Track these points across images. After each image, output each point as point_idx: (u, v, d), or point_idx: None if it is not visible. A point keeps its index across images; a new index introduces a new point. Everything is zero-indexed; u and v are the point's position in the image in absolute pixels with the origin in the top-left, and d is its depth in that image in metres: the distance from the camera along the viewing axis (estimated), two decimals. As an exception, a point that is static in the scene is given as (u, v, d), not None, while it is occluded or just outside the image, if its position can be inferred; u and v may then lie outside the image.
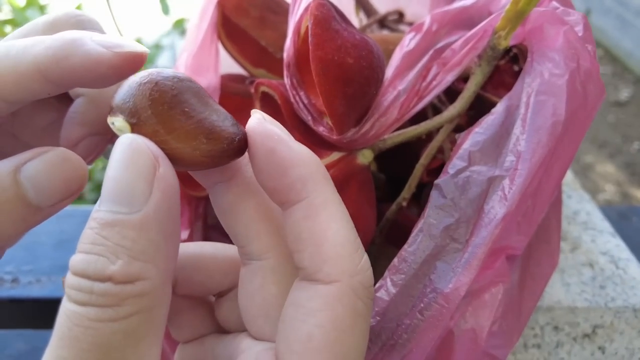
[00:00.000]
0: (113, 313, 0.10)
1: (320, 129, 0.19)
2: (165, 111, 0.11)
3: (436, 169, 0.23)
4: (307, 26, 0.18)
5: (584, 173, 1.58)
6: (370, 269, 0.12)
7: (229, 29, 0.28)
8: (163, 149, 0.11)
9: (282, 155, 0.12)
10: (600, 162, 1.63)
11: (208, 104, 0.12)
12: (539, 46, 0.20)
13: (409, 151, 0.26)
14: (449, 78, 0.20)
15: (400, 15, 0.33)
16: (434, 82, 0.20)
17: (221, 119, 0.12)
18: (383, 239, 0.25)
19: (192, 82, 0.12)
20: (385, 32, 0.33)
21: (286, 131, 0.13)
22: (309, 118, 0.19)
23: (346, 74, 0.17)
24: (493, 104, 0.24)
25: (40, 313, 0.34)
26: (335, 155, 0.22)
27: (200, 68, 0.27)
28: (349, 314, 0.11)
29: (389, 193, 0.29)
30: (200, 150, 0.12)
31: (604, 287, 0.29)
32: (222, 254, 0.15)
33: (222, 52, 0.29)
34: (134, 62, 0.13)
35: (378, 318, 0.16)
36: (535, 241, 0.22)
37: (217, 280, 0.15)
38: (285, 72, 0.20)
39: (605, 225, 0.34)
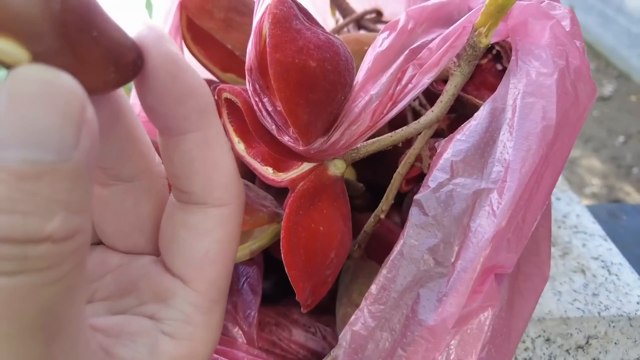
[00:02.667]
0: (54, 274, 0.09)
1: (286, 139, 0.17)
2: (75, 36, 0.09)
3: (415, 177, 0.22)
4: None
5: (570, 168, 1.59)
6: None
7: (195, 32, 0.26)
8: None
9: (183, 83, 0.11)
10: (586, 156, 1.64)
11: (108, 20, 0.10)
12: (524, 43, 0.18)
13: (389, 158, 0.24)
14: (425, 80, 0.18)
15: (378, 14, 0.31)
16: (410, 85, 0.18)
17: (122, 37, 0.11)
18: (362, 253, 0.24)
19: None
20: (362, 32, 0.31)
21: (181, 53, 0.12)
22: (273, 127, 0.17)
23: (309, 78, 0.15)
24: (475, 107, 0.22)
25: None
26: (305, 166, 0.20)
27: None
28: (237, 227, 0.13)
29: (370, 202, 0.28)
30: (108, 79, 0.10)
31: (596, 294, 0.28)
32: None
33: (190, 57, 0.27)
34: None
35: (355, 357, 0.14)
36: (524, 254, 0.20)
37: None
38: (247, 77, 0.18)
39: (596, 228, 0.33)
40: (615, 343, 0.27)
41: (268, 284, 0.25)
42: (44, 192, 0.08)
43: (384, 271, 0.15)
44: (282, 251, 0.17)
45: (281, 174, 0.20)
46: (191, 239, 0.13)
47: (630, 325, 0.27)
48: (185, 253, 0.13)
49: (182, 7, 0.24)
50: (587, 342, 0.27)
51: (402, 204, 0.29)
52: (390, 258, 0.16)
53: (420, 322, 0.14)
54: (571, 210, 0.34)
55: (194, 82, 0.12)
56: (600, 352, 0.27)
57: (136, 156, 0.13)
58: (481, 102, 0.20)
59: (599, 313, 0.27)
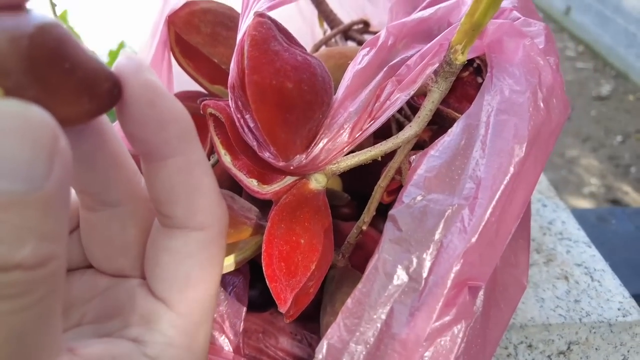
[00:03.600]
0: (25, 301, 0.09)
1: (266, 155, 0.17)
2: (45, 70, 0.10)
3: (397, 189, 0.22)
4: (246, 47, 0.16)
5: (568, 167, 1.59)
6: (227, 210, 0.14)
7: (183, 45, 0.26)
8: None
9: (162, 110, 0.12)
10: (584, 156, 1.65)
11: (82, 52, 0.11)
12: (499, 60, 0.18)
13: (375, 168, 0.25)
14: (403, 97, 0.18)
15: (365, 25, 0.31)
16: (388, 102, 0.18)
17: (97, 68, 0.11)
18: (346, 263, 0.24)
19: (62, 26, 0.11)
20: (350, 43, 0.32)
21: (160, 82, 0.12)
22: (254, 143, 0.18)
23: (286, 99, 0.16)
24: (454, 120, 0.23)
25: None
26: (288, 179, 0.20)
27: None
28: (219, 249, 0.14)
29: (357, 211, 0.28)
30: (82, 109, 0.11)
31: (578, 301, 0.28)
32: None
33: (180, 69, 0.27)
34: None
35: None
36: (501, 265, 0.21)
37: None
38: (230, 94, 0.18)
39: (580, 234, 0.33)
40: (596, 349, 0.27)
41: (255, 292, 0.25)
42: (14, 220, 0.08)
43: (359, 285, 0.16)
44: (263, 264, 0.18)
45: (265, 186, 0.20)
46: (173, 262, 0.13)
47: (611, 331, 0.27)
48: (168, 276, 0.13)
49: (170, 22, 0.24)
50: (569, 348, 0.27)
51: (386, 209, 0.29)
52: (366, 273, 0.16)
53: (393, 335, 0.15)
54: (557, 217, 0.35)
55: (173, 109, 0.12)
56: (581, 358, 0.27)
57: (121, 182, 0.13)
58: (460, 115, 0.21)
59: (580, 319, 0.27)
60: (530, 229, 0.23)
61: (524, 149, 0.16)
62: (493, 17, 0.21)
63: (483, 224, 0.15)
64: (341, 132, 0.18)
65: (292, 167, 0.18)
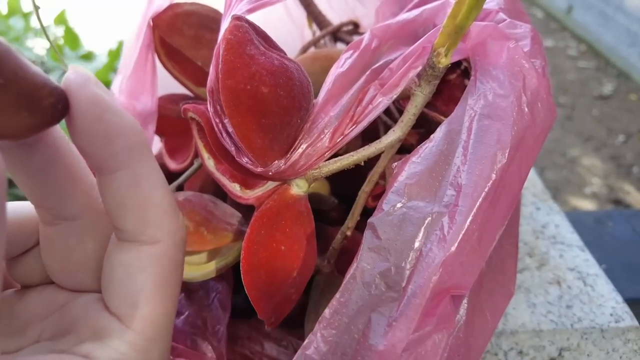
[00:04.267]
0: None
1: (244, 160, 0.17)
2: None
3: (381, 194, 0.22)
4: (222, 51, 0.16)
5: (570, 167, 1.58)
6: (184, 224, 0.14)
7: (168, 48, 0.26)
8: None
9: (109, 124, 0.12)
10: (586, 155, 1.64)
11: (22, 66, 0.11)
12: (483, 63, 0.18)
13: (361, 172, 0.25)
14: (386, 101, 0.18)
15: (355, 26, 0.31)
16: (371, 106, 0.18)
17: (38, 82, 0.11)
18: (332, 269, 0.24)
19: (2, 43, 0.11)
20: (339, 45, 0.31)
21: (110, 93, 0.12)
22: (232, 148, 0.17)
23: (261, 104, 0.15)
24: (439, 124, 0.22)
25: None
26: (270, 185, 0.20)
27: (135, 91, 0.25)
28: (174, 264, 0.13)
29: (345, 215, 0.28)
30: (21, 124, 0.11)
31: (570, 306, 0.28)
32: (24, 215, 0.14)
33: (165, 72, 0.27)
34: None
35: None
36: (487, 272, 0.20)
37: (21, 242, 0.15)
38: (208, 98, 0.18)
39: (574, 238, 0.33)
40: (588, 355, 0.27)
41: (240, 298, 0.25)
42: None
43: (337, 295, 0.16)
44: (241, 271, 0.17)
45: (248, 191, 0.20)
46: (126, 277, 0.13)
47: (603, 337, 0.27)
48: (121, 291, 0.13)
49: (154, 24, 0.24)
50: (560, 355, 0.27)
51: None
52: (344, 282, 0.16)
53: (370, 346, 0.14)
54: (550, 221, 0.34)
55: (121, 122, 0.12)
56: (573, 364, 0.27)
57: (78, 195, 0.13)
58: (445, 118, 0.20)
59: (572, 325, 0.27)
60: (518, 235, 0.23)
61: (506, 154, 0.16)
62: (478, 20, 0.21)
63: (463, 232, 0.15)
64: (321, 137, 0.17)
65: (270, 173, 0.17)
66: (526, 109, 0.17)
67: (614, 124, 1.75)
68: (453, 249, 0.15)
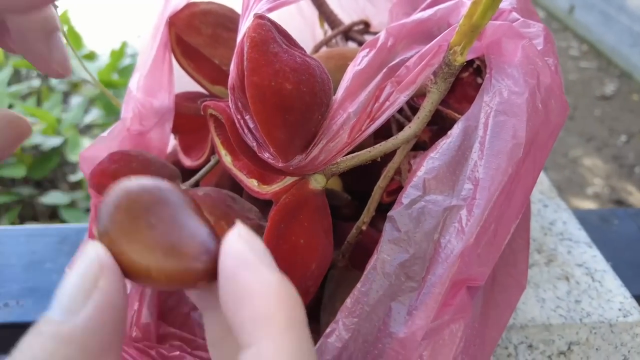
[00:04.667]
0: None
1: (266, 156, 0.18)
2: (128, 221, 0.11)
3: (396, 189, 0.22)
4: (246, 48, 0.16)
5: (572, 168, 1.58)
6: None
7: (184, 46, 0.26)
8: (121, 261, 0.11)
9: (242, 284, 0.10)
10: (588, 155, 1.64)
11: (185, 216, 0.11)
12: (497, 61, 0.19)
13: (375, 168, 0.25)
14: (402, 98, 0.18)
15: (366, 25, 0.31)
16: (387, 103, 0.18)
17: (193, 234, 0.11)
18: (346, 263, 0.24)
19: (174, 191, 0.12)
20: (350, 44, 0.32)
21: (265, 252, 0.11)
22: (254, 144, 0.18)
23: (285, 100, 0.16)
24: (454, 121, 0.23)
25: (6, 339, 0.33)
26: (288, 180, 0.20)
27: (152, 89, 0.25)
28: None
29: (358, 211, 0.28)
30: (156, 267, 0.11)
31: (579, 301, 0.28)
32: None
33: (181, 70, 0.27)
34: None
35: None
36: (501, 265, 0.21)
37: None
38: (230, 95, 0.19)
39: (581, 234, 0.33)
40: (597, 349, 0.27)
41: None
42: (36, 346, 0.10)
43: (358, 285, 0.16)
44: None
45: (265, 186, 0.21)
46: None
47: (612, 332, 0.27)
48: None
49: (171, 23, 0.25)
50: (569, 349, 0.27)
51: (387, 209, 0.29)
52: (365, 272, 0.16)
53: (391, 334, 0.15)
54: (558, 218, 0.35)
55: (255, 281, 0.10)
56: (582, 358, 0.27)
57: None
58: (459, 116, 0.21)
59: (580, 320, 0.27)
60: (529, 229, 0.23)
61: (522, 150, 0.16)
62: (492, 19, 0.21)
63: (481, 224, 0.15)
64: (340, 132, 0.18)
65: (291, 168, 0.18)
66: (540, 106, 0.17)
67: (616, 124, 1.75)
68: (471, 240, 0.15)
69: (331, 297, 0.23)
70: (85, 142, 0.90)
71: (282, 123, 0.16)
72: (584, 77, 1.98)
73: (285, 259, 0.18)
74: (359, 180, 0.29)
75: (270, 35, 0.16)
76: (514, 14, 0.21)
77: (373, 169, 0.25)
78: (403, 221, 0.16)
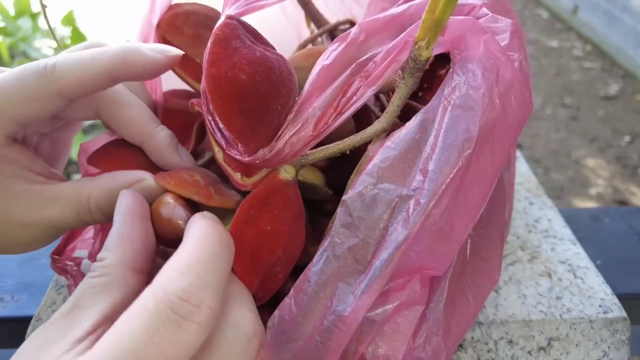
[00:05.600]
0: None
1: (234, 152, 0.18)
2: None
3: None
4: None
5: (575, 168, 1.57)
6: None
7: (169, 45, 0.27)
8: None
9: None
10: (591, 156, 1.63)
11: None
12: (461, 57, 0.19)
13: (355, 164, 0.25)
14: (369, 92, 0.19)
15: (352, 25, 0.32)
16: (355, 97, 0.19)
17: None
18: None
19: None
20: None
21: None
22: (223, 142, 0.18)
23: (239, 89, 0.17)
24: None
25: (1, 333, 0.33)
26: (264, 172, 0.21)
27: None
28: None
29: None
30: None
31: (560, 298, 0.28)
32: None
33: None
34: (176, 61, 0.21)
35: (280, 338, 0.15)
36: (471, 259, 0.21)
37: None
38: (202, 98, 0.19)
39: (566, 232, 0.33)
40: (577, 345, 0.27)
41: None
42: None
43: (310, 265, 0.17)
44: None
45: (247, 179, 0.21)
46: None
47: (591, 328, 0.27)
48: None
49: (157, 25, 0.25)
50: (549, 344, 0.27)
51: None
52: (317, 253, 0.17)
53: (335, 312, 0.15)
54: (543, 215, 0.35)
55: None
56: (561, 354, 0.27)
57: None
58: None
59: (561, 316, 0.27)
60: (504, 224, 0.23)
61: (473, 144, 0.16)
62: (462, 14, 0.21)
63: (425, 214, 0.15)
64: (305, 126, 0.18)
65: (257, 161, 0.18)
66: (497, 101, 0.18)
67: (619, 125, 1.73)
68: (415, 229, 0.15)
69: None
70: (88, 143, 0.91)
71: (238, 111, 0.17)
72: (588, 77, 1.97)
73: (250, 243, 0.19)
74: (341, 176, 0.29)
75: (234, 32, 0.17)
76: (484, 10, 0.21)
77: (355, 164, 0.25)
78: (356, 206, 0.16)
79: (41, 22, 1.24)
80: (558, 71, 2.00)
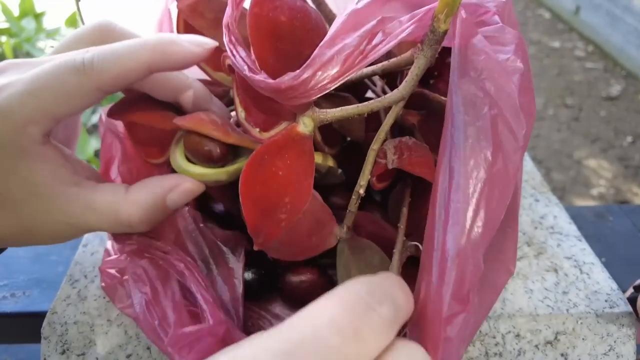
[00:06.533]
0: None
1: (256, 78, 0.18)
2: None
3: (385, 174, 0.23)
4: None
5: (577, 168, 1.58)
6: None
7: (189, 32, 0.28)
8: None
9: None
10: (593, 156, 1.63)
11: None
12: (464, 64, 0.19)
13: (363, 154, 0.26)
14: (392, 43, 0.18)
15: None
16: (379, 46, 0.19)
17: None
18: (351, 234, 0.25)
19: None
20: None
21: None
22: (245, 67, 0.18)
23: (278, 29, 0.18)
24: (440, 104, 0.24)
25: (13, 328, 0.34)
26: (282, 126, 0.22)
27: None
28: None
29: (349, 200, 0.29)
30: None
31: (566, 292, 0.29)
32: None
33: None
34: (211, 52, 0.21)
35: None
36: (489, 251, 0.21)
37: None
38: (224, 32, 0.20)
39: (572, 228, 0.34)
40: (583, 339, 0.28)
41: (251, 278, 0.26)
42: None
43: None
44: (240, 181, 0.19)
45: (265, 133, 0.23)
46: None
47: (598, 322, 0.28)
48: None
49: (179, 9, 0.27)
50: (556, 338, 0.28)
51: (382, 201, 0.30)
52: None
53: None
54: (549, 212, 0.35)
55: None
56: (568, 348, 0.28)
57: None
58: (445, 98, 0.22)
59: (567, 310, 0.28)
60: (517, 217, 0.24)
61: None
62: (476, 14, 0.22)
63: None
64: (334, 59, 0.18)
65: (283, 86, 0.18)
66: (506, 114, 0.18)
67: (621, 125, 1.74)
68: None
69: (346, 268, 0.23)
70: (93, 141, 0.92)
71: (273, 48, 0.18)
72: (590, 77, 1.97)
73: (261, 183, 0.20)
74: (352, 167, 0.30)
75: None
76: (496, 18, 0.22)
77: (361, 159, 0.26)
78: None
79: (45, 23, 1.24)
80: (560, 72, 2.01)
